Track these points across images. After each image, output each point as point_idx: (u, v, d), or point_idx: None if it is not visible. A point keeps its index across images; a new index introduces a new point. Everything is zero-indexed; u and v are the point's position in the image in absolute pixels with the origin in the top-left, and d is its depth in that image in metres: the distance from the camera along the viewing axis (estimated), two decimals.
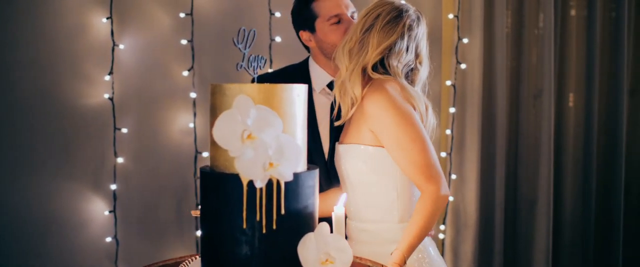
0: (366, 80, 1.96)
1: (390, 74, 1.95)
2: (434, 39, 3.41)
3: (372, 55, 1.94)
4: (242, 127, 1.34)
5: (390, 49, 1.94)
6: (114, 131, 3.08)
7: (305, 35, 2.24)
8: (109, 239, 3.11)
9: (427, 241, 1.99)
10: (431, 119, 2.01)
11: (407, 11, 1.96)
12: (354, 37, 1.96)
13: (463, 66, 3.45)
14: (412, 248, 1.83)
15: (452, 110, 3.48)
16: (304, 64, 2.32)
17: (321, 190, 1.97)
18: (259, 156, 1.33)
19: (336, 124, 2.04)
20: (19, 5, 2.93)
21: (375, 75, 1.94)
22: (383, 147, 1.91)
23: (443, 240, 3.53)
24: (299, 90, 1.47)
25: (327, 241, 1.44)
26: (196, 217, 3.17)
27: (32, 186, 2.99)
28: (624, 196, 3.68)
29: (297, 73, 2.28)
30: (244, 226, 1.40)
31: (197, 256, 1.73)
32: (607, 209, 3.71)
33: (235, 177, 1.38)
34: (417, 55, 2.00)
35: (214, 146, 1.45)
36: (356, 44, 1.96)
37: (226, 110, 1.37)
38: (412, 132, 1.85)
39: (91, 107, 3.06)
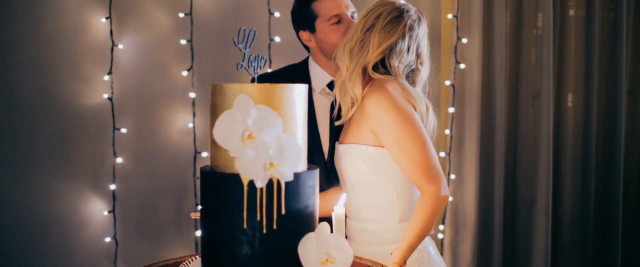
0: (367, 80, 1.96)
1: (391, 74, 1.95)
2: (433, 39, 3.42)
3: (372, 55, 1.94)
4: (242, 127, 1.34)
5: (391, 49, 1.94)
6: (113, 131, 3.08)
7: (305, 35, 2.24)
8: (108, 239, 3.11)
9: (427, 240, 1.99)
10: (432, 119, 2.01)
11: (408, 11, 1.96)
12: (355, 36, 1.96)
13: (462, 66, 3.45)
14: (412, 248, 1.83)
15: (451, 110, 3.48)
16: (304, 64, 2.32)
17: (321, 190, 1.97)
18: (259, 155, 1.33)
19: (337, 123, 2.04)
20: (18, 5, 2.93)
21: (376, 75, 1.94)
22: (383, 147, 1.91)
23: (442, 240, 3.54)
24: (299, 90, 1.47)
25: (328, 241, 1.44)
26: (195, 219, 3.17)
27: (32, 186, 2.99)
28: (622, 196, 3.69)
29: (297, 73, 2.28)
30: (245, 226, 1.40)
31: (197, 256, 1.73)
32: (606, 208, 3.71)
33: (236, 177, 1.38)
34: (418, 56, 2.00)
35: (214, 145, 1.45)
36: (357, 43, 1.96)
37: (227, 110, 1.37)
38: (412, 133, 1.85)
39: (90, 107, 3.06)
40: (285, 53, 3.16)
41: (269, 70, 2.72)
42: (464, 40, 3.44)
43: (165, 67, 3.15)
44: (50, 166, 3.02)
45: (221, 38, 3.16)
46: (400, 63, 1.95)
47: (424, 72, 2.03)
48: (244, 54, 1.49)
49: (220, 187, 1.44)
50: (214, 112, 1.46)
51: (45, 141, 3.01)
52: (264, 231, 1.40)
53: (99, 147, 3.08)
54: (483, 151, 3.51)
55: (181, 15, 3.12)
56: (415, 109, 1.93)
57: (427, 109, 1.99)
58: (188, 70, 3.15)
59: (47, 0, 2.97)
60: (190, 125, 3.18)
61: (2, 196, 2.96)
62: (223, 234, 1.44)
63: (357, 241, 2.01)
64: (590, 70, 3.62)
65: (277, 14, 3.19)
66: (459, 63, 3.45)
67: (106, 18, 3.03)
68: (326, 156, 2.22)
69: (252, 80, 1.55)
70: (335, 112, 2.04)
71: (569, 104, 3.69)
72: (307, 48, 2.31)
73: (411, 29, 1.96)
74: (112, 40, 3.04)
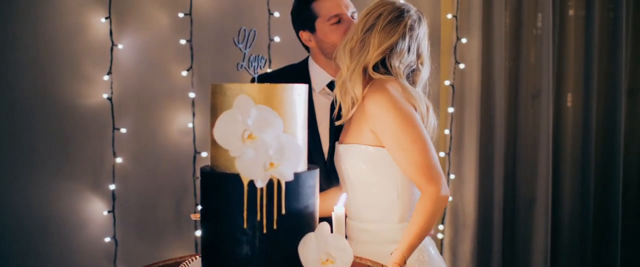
0: (367, 80, 1.96)
1: (391, 74, 1.95)
2: (433, 39, 3.41)
3: (373, 55, 1.94)
4: (242, 127, 1.34)
5: (391, 49, 1.94)
6: (113, 131, 3.08)
7: (305, 35, 2.24)
8: (107, 239, 3.11)
9: (427, 240, 1.99)
10: (432, 119, 2.01)
11: (408, 11, 1.96)
12: (355, 36, 1.96)
13: (462, 66, 3.45)
14: (412, 248, 1.84)
15: (450, 110, 3.49)
16: (304, 64, 2.32)
17: (321, 190, 1.97)
18: (259, 155, 1.33)
19: (337, 123, 2.04)
20: (18, 5, 2.93)
21: (376, 75, 1.94)
22: (383, 147, 1.91)
23: (441, 240, 3.54)
24: (299, 90, 1.47)
25: (328, 241, 1.44)
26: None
27: (32, 186, 2.99)
28: (622, 196, 3.69)
29: (297, 73, 2.28)
30: (245, 226, 1.40)
31: (198, 256, 1.73)
32: (606, 208, 3.71)
33: (236, 177, 1.38)
34: (418, 56, 2.00)
35: (214, 145, 1.45)
36: (357, 43, 1.96)
37: (227, 110, 1.37)
38: (412, 133, 1.86)
39: (90, 107, 3.06)
40: (285, 53, 3.16)
41: (269, 70, 2.73)
42: (464, 40, 3.44)
43: (165, 67, 3.15)
44: (50, 166, 3.02)
45: (221, 38, 3.17)
46: (400, 63, 1.95)
47: (425, 72, 2.03)
48: (244, 54, 1.49)
49: (220, 187, 1.44)
50: (214, 112, 1.46)
51: (45, 141, 3.01)
52: (264, 231, 1.40)
53: (98, 147, 3.08)
54: (482, 151, 3.52)
55: (181, 15, 3.12)
56: (416, 109, 1.93)
57: (427, 109, 1.99)
58: (188, 70, 3.15)
59: (47, 0, 2.97)
60: (190, 125, 3.18)
61: (2, 196, 2.96)
62: (223, 234, 1.44)
63: (357, 241, 2.01)
64: (589, 70, 3.62)
65: (277, 14, 3.19)
66: (459, 63, 3.45)
67: (106, 18, 3.03)
68: (326, 156, 2.22)
69: (252, 80, 1.55)
70: (336, 112, 2.04)
71: (569, 104, 3.70)
72: (307, 48, 2.31)
73: (412, 29, 1.96)
74: (112, 40, 3.04)
